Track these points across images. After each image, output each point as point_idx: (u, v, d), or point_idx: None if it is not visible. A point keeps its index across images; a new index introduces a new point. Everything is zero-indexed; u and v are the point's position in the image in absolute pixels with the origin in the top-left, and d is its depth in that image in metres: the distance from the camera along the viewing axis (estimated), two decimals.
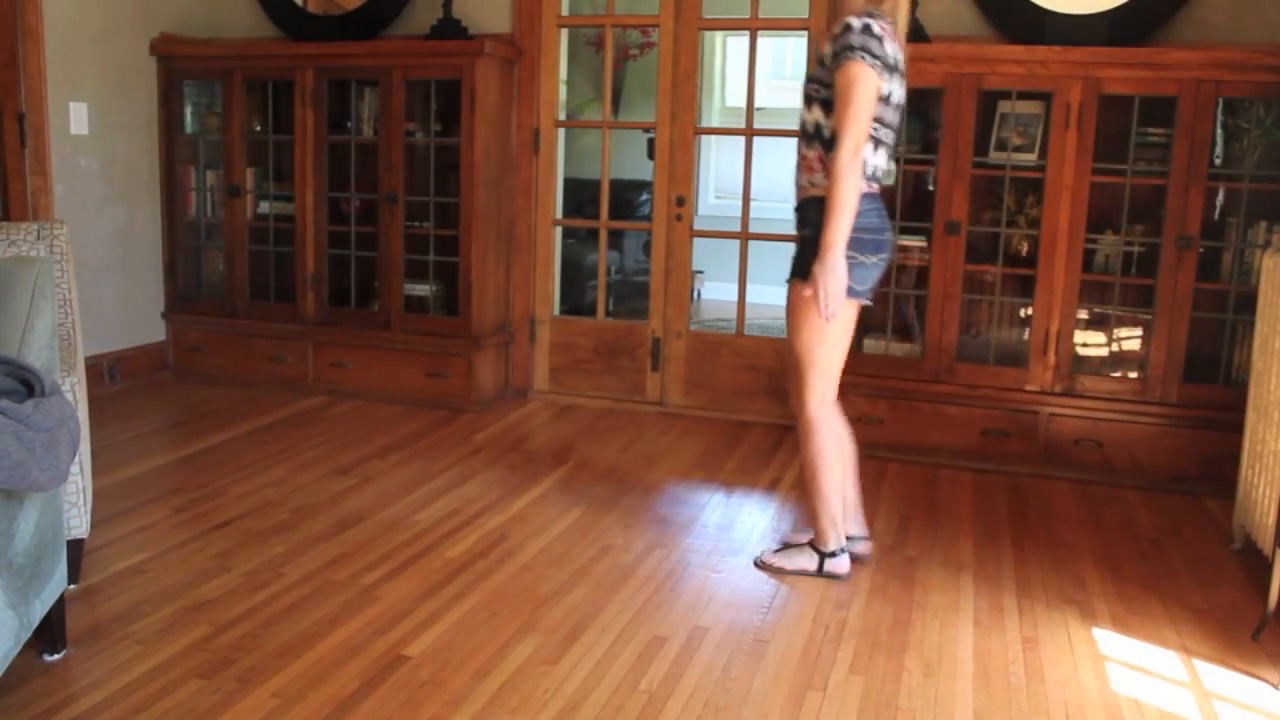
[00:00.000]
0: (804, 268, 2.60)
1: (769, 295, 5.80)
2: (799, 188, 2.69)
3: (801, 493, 2.81)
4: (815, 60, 2.65)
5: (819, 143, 2.61)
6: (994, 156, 3.78)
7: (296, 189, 4.51)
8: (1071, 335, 3.69)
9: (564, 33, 4.49)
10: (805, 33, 4.15)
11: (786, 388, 2.59)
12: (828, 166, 2.55)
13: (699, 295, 6.63)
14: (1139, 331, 3.78)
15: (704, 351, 4.39)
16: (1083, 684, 2.30)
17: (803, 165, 2.67)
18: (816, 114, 2.59)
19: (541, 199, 4.53)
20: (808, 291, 2.56)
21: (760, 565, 2.87)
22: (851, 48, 2.46)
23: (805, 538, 2.87)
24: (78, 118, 4.29)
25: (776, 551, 2.88)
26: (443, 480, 3.49)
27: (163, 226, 4.77)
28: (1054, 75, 3.57)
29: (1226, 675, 2.36)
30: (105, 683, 2.17)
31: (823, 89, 2.57)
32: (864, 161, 2.55)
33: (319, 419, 4.19)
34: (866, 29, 2.48)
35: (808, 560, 2.81)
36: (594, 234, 5.11)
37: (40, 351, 2.14)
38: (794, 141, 4.15)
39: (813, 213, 2.60)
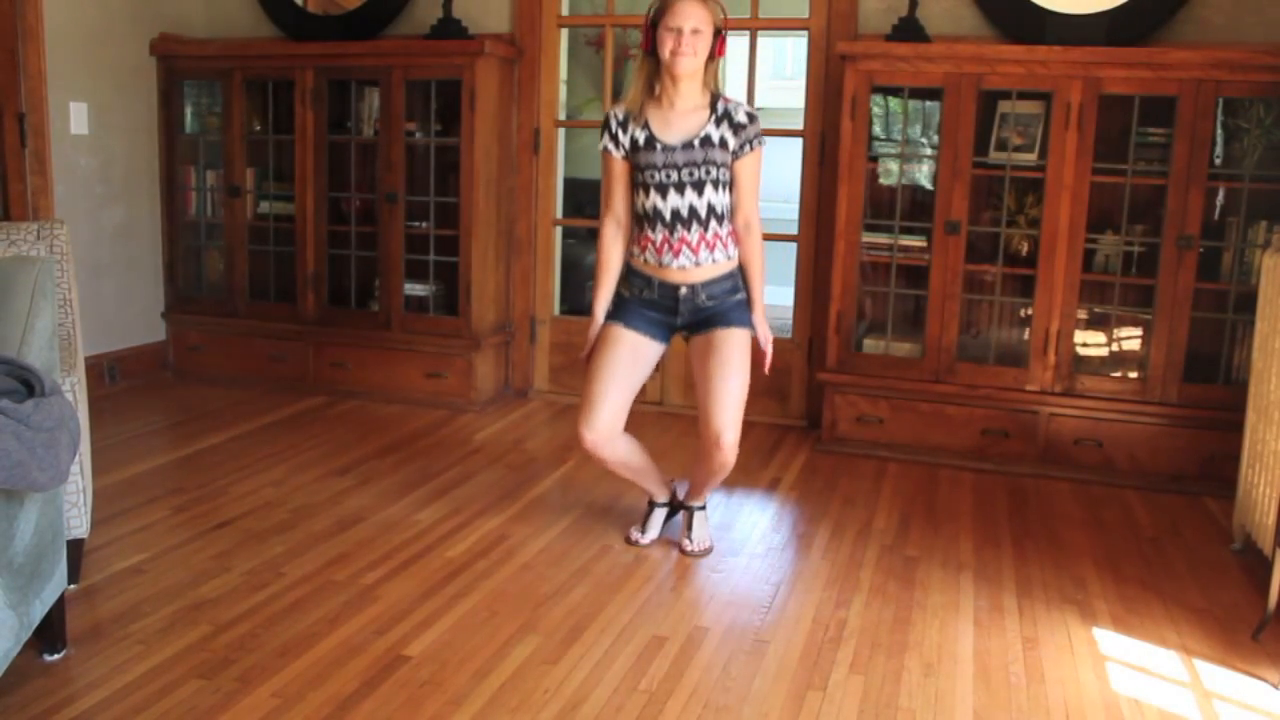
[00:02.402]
0: (744, 320, 2.83)
1: (769, 295, 5.78)
2: (708, 265, 2.79)
3: (703, 482, 2.93)
4: (695, 144, 2.74)
5: (726, 221, 2.80)
6: (994, 156, 3.78)
7: (296, 189, 4.50)
8: (1071, 335, 3.69)
9: (564, 33, 4.49)
10: (805, 33, 4.15)
11: (719, 430, 2.72)
12: (737, 238, 2.81)
13: None
14: (1139, 331, 3.78)
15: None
16: (1083, 684, 2.30)
17: (707, 245, 2.78)
18: (723, 196, 2.78)
19: (541, 199, 4.53)
20: (767, 347, 2.85)
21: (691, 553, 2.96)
22: (760, 137, 2.78)
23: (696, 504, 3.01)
24: (78, 118, 4.29)
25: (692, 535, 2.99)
26: (442, 480, 3.49)
27: (163, 226, 4.77)
28: (1054, 75, 3.57)
29: (1226, 675, 2.36)
30: (105, 683, 2.17)
31: (723, 172, 2.76)
32: None
33: (319, 419, 4.19)
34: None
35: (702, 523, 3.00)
36: (594, 234, 5.10)
37: (40, 351, 2.14)
38: (794, 142, 4.20)
39: (737, 280, 2.85)
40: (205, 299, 4.79)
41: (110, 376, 4.50)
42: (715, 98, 2.78)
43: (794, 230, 4.29)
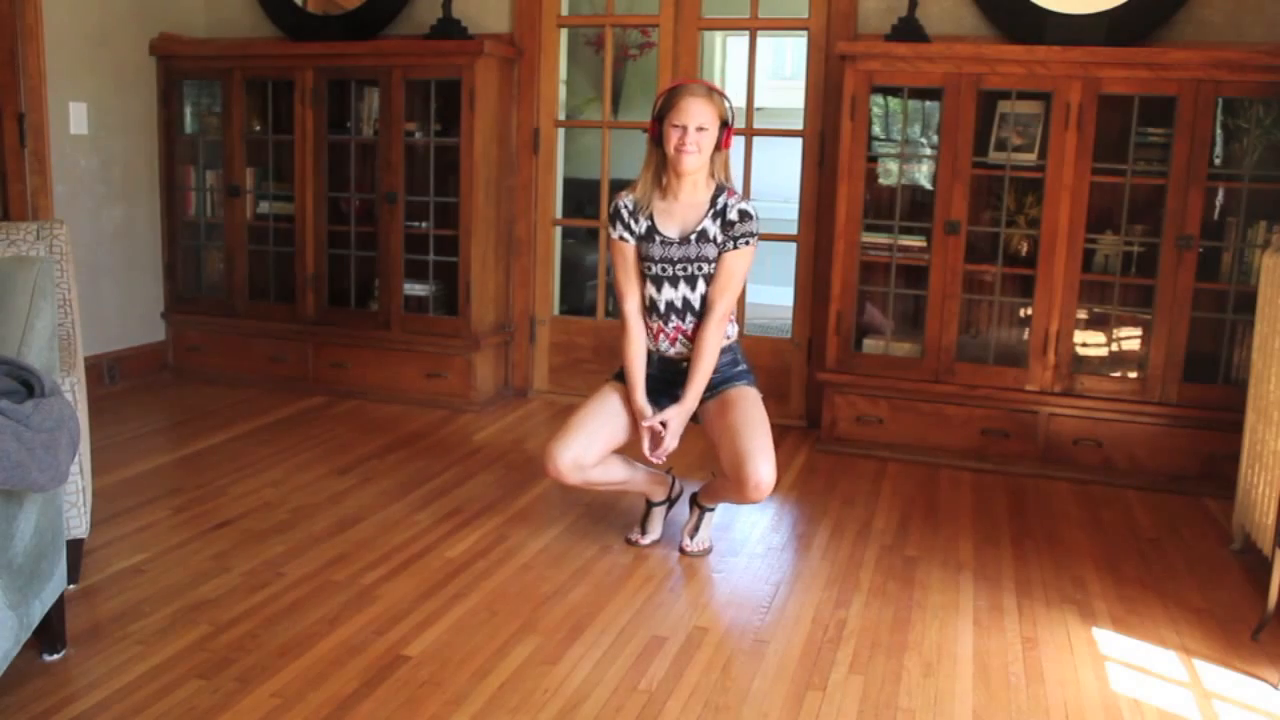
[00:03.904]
0: (751, 381, 2.88)
1: (769, 295, 5.82)
2: (683, 355, 2.84)
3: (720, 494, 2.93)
4: (691, 240, 2.77)
5: (700, 314, 2.82)
6: (994, 156, 3.78)
7: (296, 189, 4.51)
8: (1071, 335, 3.69)
9: (564, 33, 4.49)
10: (805, 33, 4.15)
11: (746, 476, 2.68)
12: (699, 331, 2.80)
13: None
14: (1139, 331, 3.78)
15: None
16: (1082, 684, 2.30)
17: (689, 336, 2.83)
18: (704, 290, 2.80)
19: (541, 199, 4.53)
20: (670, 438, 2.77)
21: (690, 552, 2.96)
22: (753, 235, 2.76)
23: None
24: (77, 118, 4.29)
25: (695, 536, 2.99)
26: (442, 480, 3.49)
27: (162, 226, 4.77)
28: (1054, 75, 3.57)
29: (1226, 675, 2.36)
30: (105, 683, 2.17)
31: (714, 266, 2.78)
32: None
33: (318, 419, 4.19)
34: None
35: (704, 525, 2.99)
36: (594, 234, 5.11)
37: (40, 351, 2.14)
38: (794, 142, 4.20)
39: (737, 354, 2.90)
40: (205, 299, 4.79)
41: (110, 376, 4.50)
42: (719, 191, 2.79)
43: (794, 230, 4.29)
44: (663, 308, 2.82)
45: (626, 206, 2.83)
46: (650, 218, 2.81)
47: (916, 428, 3.86)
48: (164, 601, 2.54)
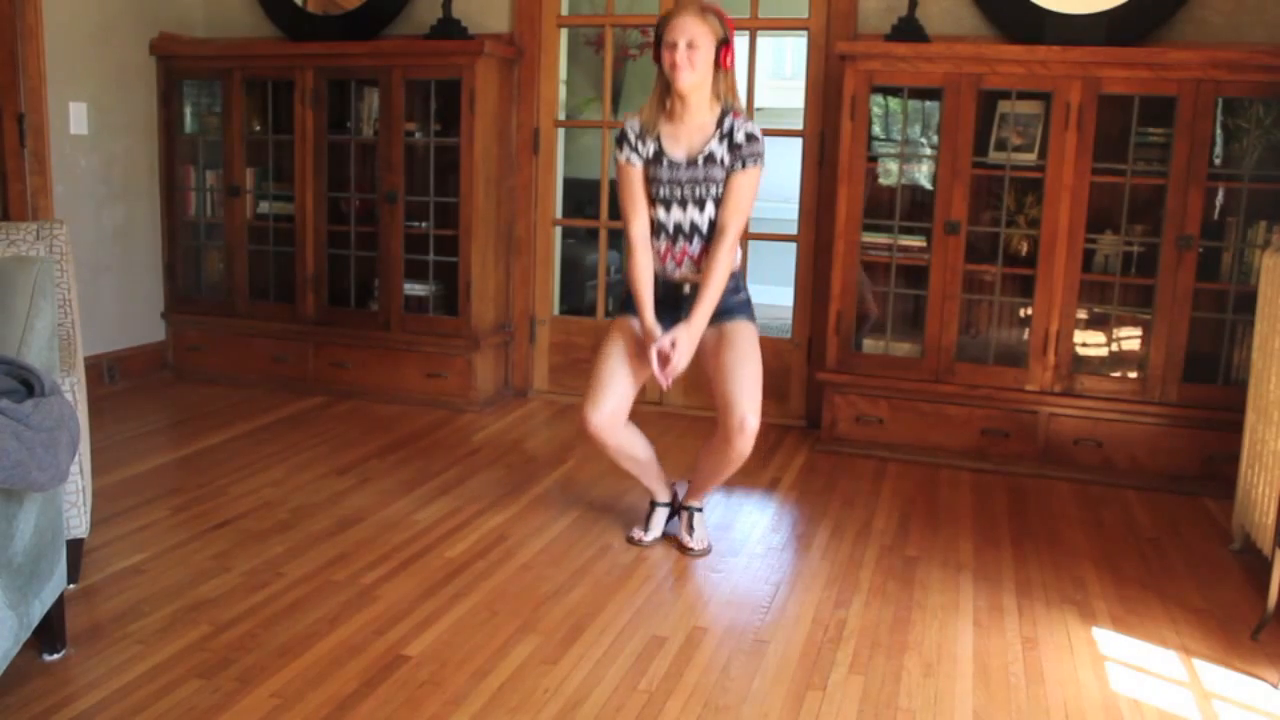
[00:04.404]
0: (748, 314, 2.90)
1: (769, 295, 5.82)
2: (697, 274, 2.83)
3: (710, 477, 2.96)
4: (699, 162, 2.78)
5: (708, 238, 2.83)
6: (994, 156, 3.78)
7: (296, 189, 4.51)
8: (1071, 335, 3.69)
9: (564, 33, 4.49)
10: (805, 33, 4.15)
11: (736, 423, 2.72)
12: (709, 253, 2.79)
13: None
14: (1138, 331, 3.78)
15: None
16: (1082, 684, 2.30)
17: (695, 259, 2.85)
18: (712, 212, 2.81)
19: (541, 199, 4.53)
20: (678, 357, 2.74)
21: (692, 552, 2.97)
22: (760, 156, 2.77)
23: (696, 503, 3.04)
24: (77, 118, 4.29)
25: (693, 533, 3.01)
26: (442, 480, 3.49)
27: (162, 226, 4.77)
28: (1054, 75, 3.57)
29: (1226, 675, 2.36)
30: (104, 682, 2.17)
31: (721, 188, 2.79)
32: None
33: (318, 419, 4.19)
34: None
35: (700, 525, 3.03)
36: (594, 234, 5.11)
37: (40, 351, 2.14)
38: (794, 142, 4.20)
39: (739, 280, 2.92)
40: (205, 299, 4.79)
41: (110, 376, 4.50)
42: (725, 113, 2.79)
43: (794, 230, 4.29)
44: (670, 229, 2.83)
45: (634, 129, 2.84)
46: (658, 140, 2.81)
47: (916, 428, 3.86)
48: (164, 601, 2.54)
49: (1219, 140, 3.57)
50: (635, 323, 2.87)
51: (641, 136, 2.83)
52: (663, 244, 2.86)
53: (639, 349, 2.84)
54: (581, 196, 5.44)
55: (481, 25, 4.42)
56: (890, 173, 3.95)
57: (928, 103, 3.89)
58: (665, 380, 2.76)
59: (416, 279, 4.44)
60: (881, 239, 3.92)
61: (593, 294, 5.07)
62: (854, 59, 3.75)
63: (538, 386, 4.63)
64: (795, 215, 4.27)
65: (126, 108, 4.53)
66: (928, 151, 3.91)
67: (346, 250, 4.52)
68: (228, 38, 4.78)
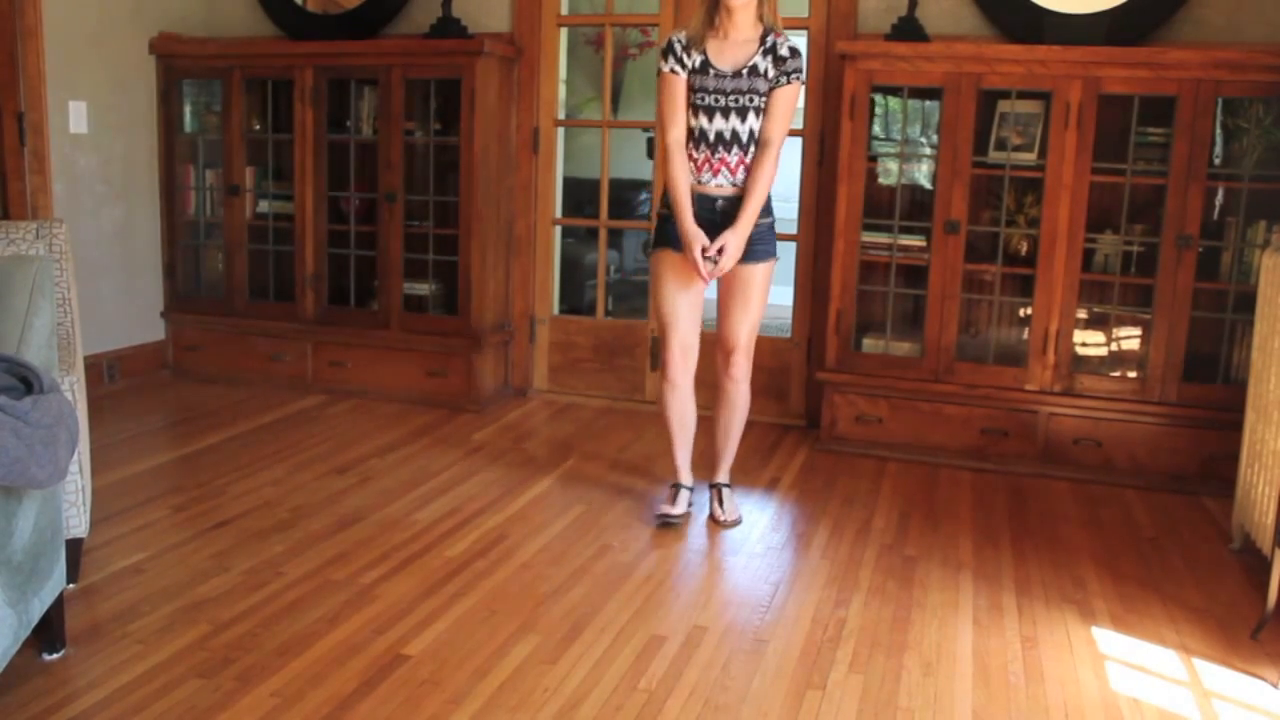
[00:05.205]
0: (771, 249, 3.08)
1: (769, 295, 5.81)
2: (733, 186, 3.00)
3: (725, 440, 3.25)
4: (744, 74, 2.95)
5: (749, 147, 2.99)
6: (993, 156, 3.78)
7: (296, 188, 4.50)
8: (1071, 335, 3.69)
9: (564, 32, 4.49)
10: (805, 32, 4.15)
11: (721, 362, 3.13)
12: (754, 164, 2.98)
13: None
14: (1138, 331, 3.78)
15: (703, 351, 4.37)
16: (1082, 683, 2.30)
17: (732, 168, 3.00)
18: (753, 122, 2.97)
19: (541, 198, 4.53)
20: (724, 259, 2.93)
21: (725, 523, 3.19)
22: (801, 71, 2.97)
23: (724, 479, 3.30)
24: (77, 117, 4.28)
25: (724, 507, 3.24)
26: (442, 479, 3.49)
27: (162, 226, 4.77)
28: (1053, 75, 3.57)
29: (1226, 674, 2.36)
30: (104, 682, 2.17)
31: (764, 100, 2.96)
32: None
33: (318, 418, 4.18)
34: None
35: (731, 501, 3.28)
36: (593, 233, 5.11)
37: (39, 350, 2.14)
38: (794, 141, 4.19)
39: (769, 203, 3.08)
40: (204, 298, 4.79)
41: (109, 376, 4.50)
42: (767, 31, 2.96)
43: (793, 230, 4.28)
44: (711, 137, 2.97)
45: (680, 41, 2.99)
46: (704, 53, 2.96)
47: (916, 427, 3.86)
48: (163, 601, 2.54)
49: (1219, 140, 3.57)
50: (670, 254, 3.02)
51: (688, 49, 2.98)
52: (701, 154, 2.99)
53: (683, 272, 3.00)
54: (581, 196, 5.44)
55: (481, 24, 4.42)
56: (890, 172, 3.95)
57: (927, 102, 3.89)
58: (709, 277, 2.96)
59: (416, 278, 4.44)
60: (881, 238, 3.92)
61: (592, 293, 5.07)
62: (854, 58, 3.75)
63: (537, 386, 4.63)
64: (795, 215, 4.27)
65: (126, 107, 4.53)
66: (927, 151, 3.91)
67: (346, 249, 4.51)
68: (227, 37, 4.77)
